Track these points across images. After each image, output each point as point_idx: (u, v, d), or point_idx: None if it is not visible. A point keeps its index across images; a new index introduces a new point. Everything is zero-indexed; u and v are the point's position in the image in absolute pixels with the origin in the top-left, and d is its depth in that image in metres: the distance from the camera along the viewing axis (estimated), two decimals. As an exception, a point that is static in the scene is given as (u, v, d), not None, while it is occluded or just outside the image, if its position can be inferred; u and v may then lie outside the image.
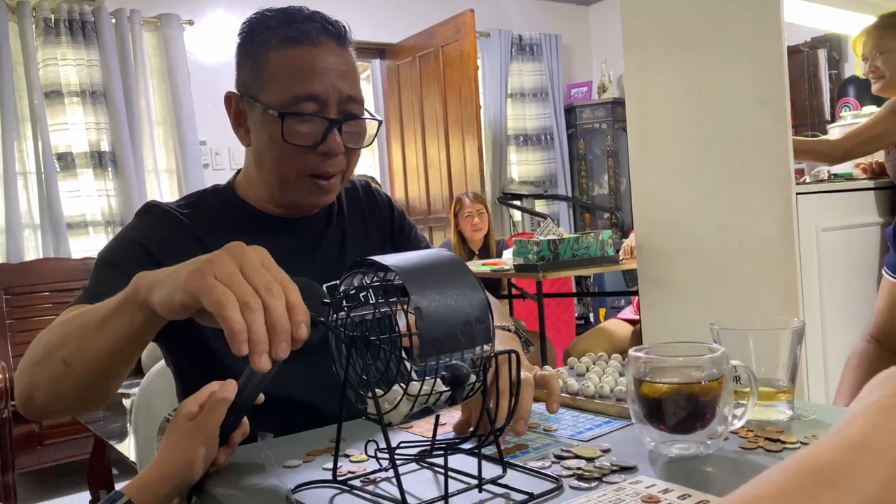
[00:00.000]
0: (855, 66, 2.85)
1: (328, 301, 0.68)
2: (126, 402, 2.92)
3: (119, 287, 0.73)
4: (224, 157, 4.45)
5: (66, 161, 3.94)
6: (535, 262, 2.67)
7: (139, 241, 1.00)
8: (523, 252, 2.73)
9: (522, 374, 0.76)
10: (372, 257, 0.65)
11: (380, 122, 1.08)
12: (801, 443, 0.71)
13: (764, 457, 0.69)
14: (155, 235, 1.01)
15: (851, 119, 2.58)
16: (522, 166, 5.61)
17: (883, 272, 1.26)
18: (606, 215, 5.58)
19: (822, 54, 4.30)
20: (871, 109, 2.66)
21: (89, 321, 0.75)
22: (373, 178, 3.37)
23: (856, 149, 2.13)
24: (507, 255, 3.31)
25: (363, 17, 4.92)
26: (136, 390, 2.99)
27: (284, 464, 0.77)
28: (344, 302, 0.67)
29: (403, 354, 0.65)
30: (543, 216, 4.99)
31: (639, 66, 2.20)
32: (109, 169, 4.03)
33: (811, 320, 1.91)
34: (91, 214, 4.01)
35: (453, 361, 0.63)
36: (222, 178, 4.54)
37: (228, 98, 1.06)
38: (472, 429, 0.74)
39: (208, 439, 0.72)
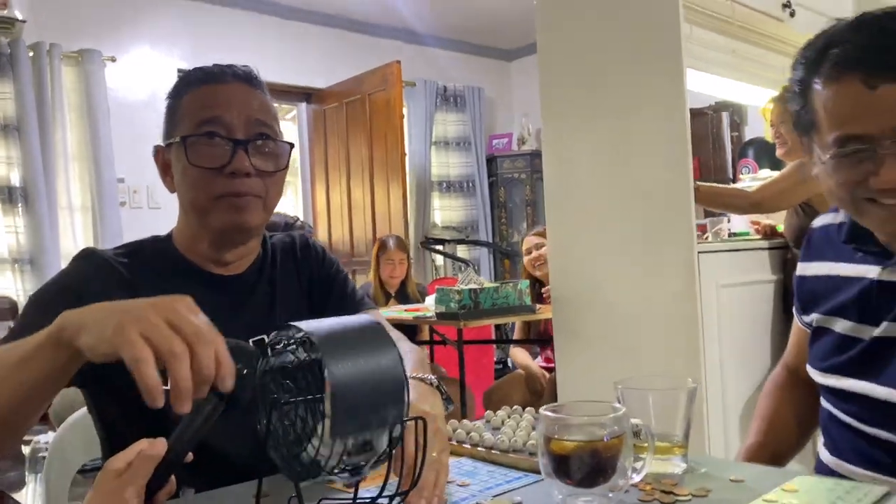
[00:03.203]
0: (764, 131, 3.08)
1: (254, 357, 0.71)
2: (25, 450, 2.79)
3: None
4: (142, 195, 4.36)
5: (-27, 195, 3.79)
6: (456, 311, 2.73)
7: (72, 286, 1.00)
8: (445, 300, 2.79)
9: (440, 457, 0.81)
10: (296, 323, 0.68)
11: (291, 146, 1.09)
12: (693, 495, 0.79)
13: (659, 508, 0.76)
14: (88, 283, 1.01)
15: (749, 181, 2.78)
16: (445, 212, 5.73)
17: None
18: (525, 261, 5.74)
19: (725, 117, 4.59)
20: (768, 173, 2.87)
21: (10, 358, 0.75)
22: (306, 225, 3.37)
23: (766, 201, 2.27)
24: (430, 301, 3.37)
25: (292, 61, 4.97)
26: (38, 437, 2.86)
27: (208, 520, 0.79)
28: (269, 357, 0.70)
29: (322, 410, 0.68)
30: (465, 261, 5.09)
31: (555, 128, 2.33)
32: (20, 204, 3.89)
33: (712, 373, 2.03)
34: (-2, 251, 3.85)
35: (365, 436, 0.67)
36: (139, 216, 4.38)
37: (157, 152, 1.10)
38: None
39: (134, 498, 0.73)
